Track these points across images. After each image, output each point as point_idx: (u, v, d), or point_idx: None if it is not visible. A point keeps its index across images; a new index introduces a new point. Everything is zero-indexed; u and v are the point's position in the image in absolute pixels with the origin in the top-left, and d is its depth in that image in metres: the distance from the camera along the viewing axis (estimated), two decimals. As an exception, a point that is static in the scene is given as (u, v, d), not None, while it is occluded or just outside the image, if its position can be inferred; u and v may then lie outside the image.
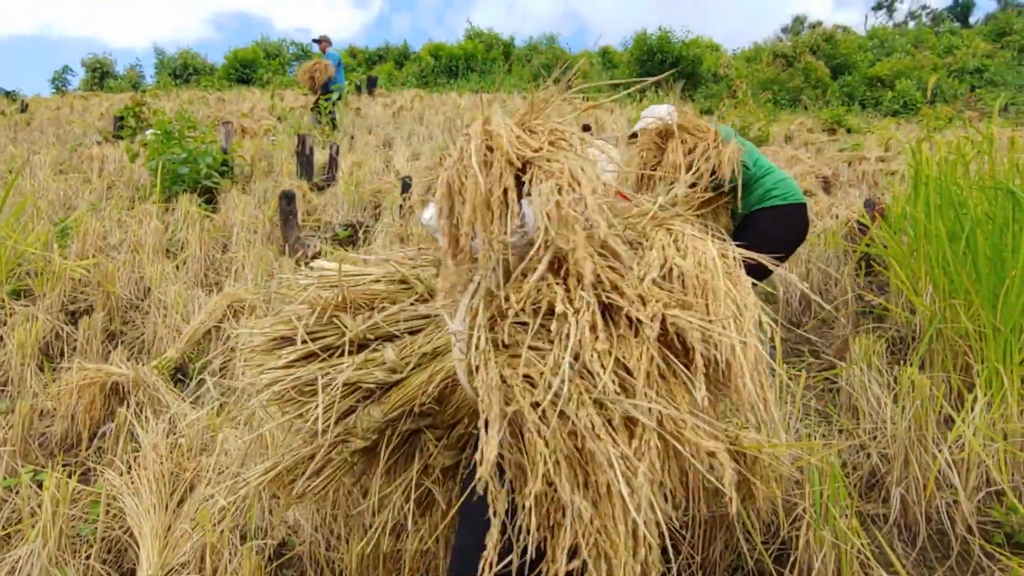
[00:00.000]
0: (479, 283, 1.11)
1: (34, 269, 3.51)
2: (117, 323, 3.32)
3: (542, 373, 0.94)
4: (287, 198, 4.44)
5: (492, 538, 0.95)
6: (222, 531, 1.75)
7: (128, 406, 2.43)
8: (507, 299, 1.04)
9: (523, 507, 0.92)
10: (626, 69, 19.72)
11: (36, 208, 4.59)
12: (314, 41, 10.16)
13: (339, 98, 9.12)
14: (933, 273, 2.60)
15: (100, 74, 21.90)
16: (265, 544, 1.80)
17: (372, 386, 1.22)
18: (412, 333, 1.26)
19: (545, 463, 0.91)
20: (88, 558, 1.81)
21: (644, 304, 1.00)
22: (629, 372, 0.95)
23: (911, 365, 2.13)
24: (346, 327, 1.23)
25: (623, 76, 19.52)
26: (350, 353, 1.24)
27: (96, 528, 1.87)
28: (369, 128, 9.86)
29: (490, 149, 1.04)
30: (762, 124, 9.68)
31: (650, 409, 0.92)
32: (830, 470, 1.63)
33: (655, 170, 2.81)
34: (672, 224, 1.20)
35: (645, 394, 0.93)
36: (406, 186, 5.21)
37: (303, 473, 1.33)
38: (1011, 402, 2.02)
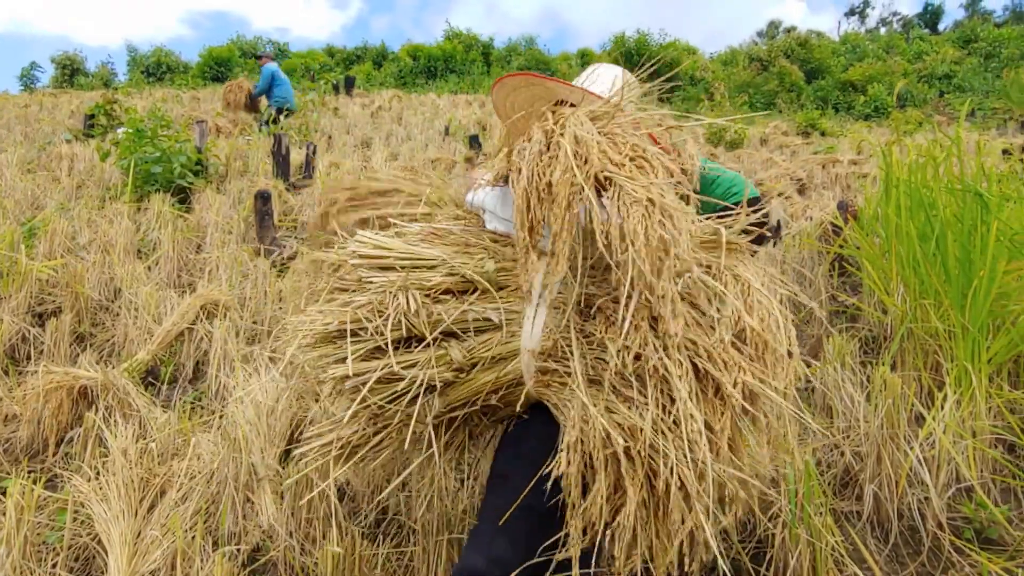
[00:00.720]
0: (546, 295, 1.21)
1: (1, 269, 3.42)
2: (86, 325, 3.24)
3: (642, 429, 1.02)
4: (263, 198, 4.38)
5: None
6: (193, 537, 1.72)
7: (97, 410, 2.37)
8: (591, 335, 1.14)
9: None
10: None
11: (2, 208, 4.47)
12: (255, 57, 9.95)
13: (267, 120, 8.66)
14: (904, 273, 2.65)
15: (70, 71, 21.42)
16: (238, 550, 1.77)
17: (439, 382, 1.24)
18: (478, 332, 1.25)
19: (633, 504, 1.02)
20: (55, 566, 1.77)
21: (726, 367, 1.06)
22: (711, 431, 1.04)
23: (883, 364, 2.17)
24: (417, 327, 1.22)
25: (602, 78, 19.61)
26: (415, 350, 1.24)
27: (63, 535, 1.82)
28: (347, 128, 9.78)
29: (575, 155, 1.08)
30: (738, 127, 9.80)
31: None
32: (805, 469, 1.65)
33: None
34: (738, 268, 1.16)
35: (722, 454, 1.03)
36: (384, 186, 5.16)
37: (360, 448, 1.34)
38: (979, 400, 2.07)
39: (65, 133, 8.54)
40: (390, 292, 1.23)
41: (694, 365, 1.05)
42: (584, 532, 1.07)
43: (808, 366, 2.82)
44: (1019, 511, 1.95)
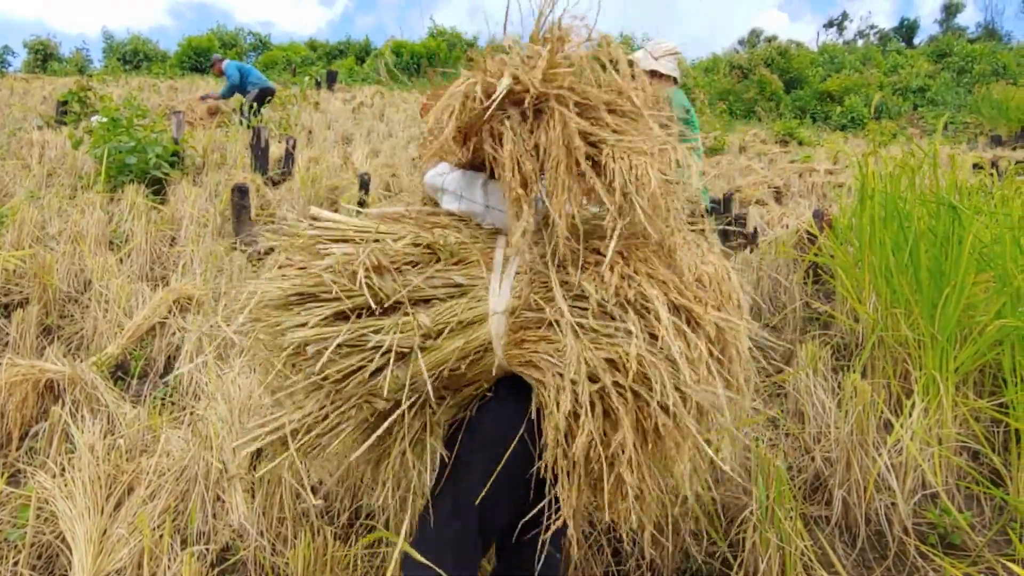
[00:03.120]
0: (514, 259, 1.23)
1: (-36, 259, 3.32)
2: (54, 317, 3.17)
3: (627, 359, 1.06)
4: (240, 192, 4.32)
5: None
6: (161, 536, 1.68)
7: (63, 405, 2.31)
8: (565, 283, 1.17)
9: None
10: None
11: (-32, 194, 4.35)
12: (210, 66, 9.40)
13: (249, 111, 8.32)
14: (876, 283, 2.70)
15: (43, 56, 20.88)
16: (207, 549, 1.74)
17: (404, 349, 1.20)
18: (445, 299, 1.23)
19: (628, 432, 1.08)
20: (16, 564, 1.72)
21: (698, 302, 1.15)
22: (690, 362, 1.10)
23: (854, 371, 2.21)
24: (381, 290, 1.18)
25: (585, 81, 19.67)
26: (381, 315, 1.19)
27: (25, 533, 1.78)
28: (328, 123, 9.69)
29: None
30: (718, 134, 9.91)
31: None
32: (776, 473, 1.68)
33: None
34: (685, 231, 1.27)
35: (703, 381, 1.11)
36: (364, 183, 5.13)
37: (316, 432, 1.27)
38: (946, 408, 2.11)
39: (37, 119, 8.33)
40: (352, 256, 1.19)
41: (667, 299, 1.13)
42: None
43: (780, 372, 2.86)
44: (981, 517, 2.00)
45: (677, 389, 1.08)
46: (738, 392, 1.23)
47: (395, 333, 1.17)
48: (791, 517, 1.62)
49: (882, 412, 2.14)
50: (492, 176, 1.30)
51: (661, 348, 1.08)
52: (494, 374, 1.25)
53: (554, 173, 1.10)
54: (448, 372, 1.23)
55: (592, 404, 1.09)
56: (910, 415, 2.01)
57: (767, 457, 1.70)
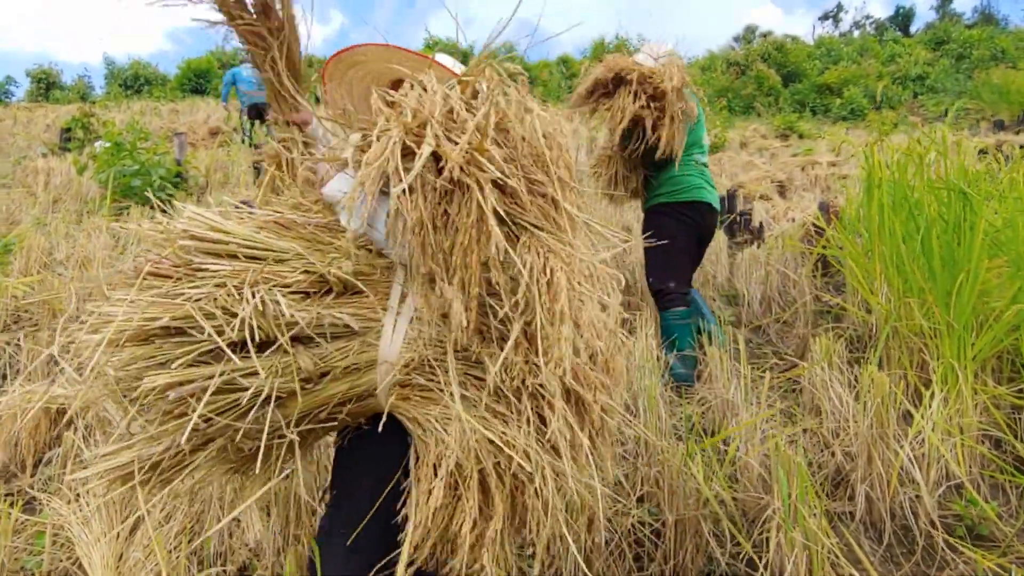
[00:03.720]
0: (411, 300, 1.13)
1: (-27, 288, 3.34)
2: (64, 342, 3.17)
3: (513, 442, 1.05)
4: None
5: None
6: (178, 558, 1.67)
7: (76, 430, 2.31)
8: (464, 348, 1.10)
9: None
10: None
11: (-25, 224, 4.38)
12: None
13: (247, 130, 8.11)
14: (888, 272, 2.67)
15: (46, 85, 21.09)
16: (224, 570, 1.73)
17: (282, 395, 1.08)
18: (333, 338, 1.11)
19: (501, 511, 1.07)
20: (33, 593, 1.71)
21: (589, 387, 1.13)
22: (572, 445, 1.09)
23: (870, 364, 2.18)
24: (267, 330, 1.03)
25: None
26: (257, 354, 1.03)
27: (42, 560, 1.77)
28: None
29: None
30: (718, 131, 9.89)
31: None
32: (797, 470, 1.65)
33: (598, 104, 3.01)
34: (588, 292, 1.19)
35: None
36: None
37: (167, 469, 1.12)
38: (966, 396, 2.08)
39: (41, 147, 8.41)
40: (244, 286, 1.02)
41: (562, 384, 1.07)
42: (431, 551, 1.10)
43: (795, 367, 2.83)
44: (1008, 507, 1.96)
45: (557, 476, 1.07)
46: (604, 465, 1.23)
47: (272, 378, 1.04)
48: (815, 515, 1.59)
49: (901, 403, 2.11)
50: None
51: (548, 438, 1.04)
52: (374, 412, 1.19)
53: (460, 259, 1.01)
54: (327, 414, 1.15)
55: (471, 479, 1.06)
56: (930, 405, 1.98)
57: (787, 454, 1.67)
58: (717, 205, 3.03)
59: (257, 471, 1.17)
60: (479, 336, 1.08)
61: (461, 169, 0.98)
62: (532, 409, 1.06)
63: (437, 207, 1.02)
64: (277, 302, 1.03)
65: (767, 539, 1.62)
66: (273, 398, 1.05)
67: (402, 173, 0.98)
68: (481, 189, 0.98)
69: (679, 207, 2.93)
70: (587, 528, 1.65)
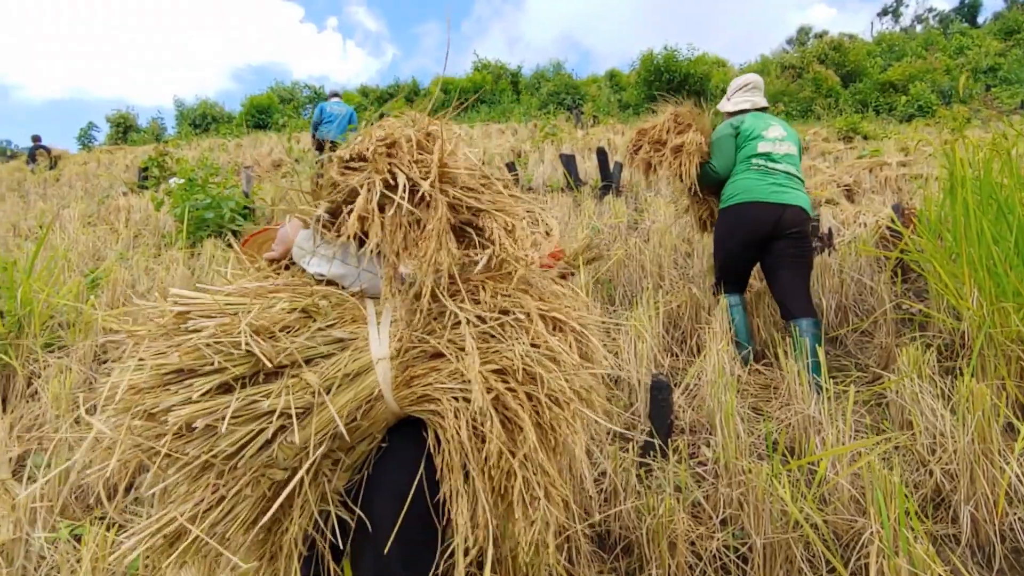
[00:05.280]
0: (387, 311, 1.27)
1: (66, 320, 3.55)
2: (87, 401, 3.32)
3: (511, 360, 1.16)
4: (310, 237, 4.46)
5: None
6: (263, 581, 1.70)
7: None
8: (442, 313, 1.25)
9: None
10: (634, 91, 19.84)
11: (67, 260, 4.67)
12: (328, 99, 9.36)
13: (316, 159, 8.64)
14: (978, 276, 2.51)
15: (123, 128, 22.58)
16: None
17: (298, 410, 1.17)
18: (328, 356, 1.23)
19: (530, 430, 1.13)
20: (129, 616, 1.77)
21: (557, 298, 1.34)
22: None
23: (964, 374, 2.04)
24: (265, 352, 1.15)
25: (631, 97, 19.64)
26: (265, 381, 1.17)
27: (136, 583, 1.83)
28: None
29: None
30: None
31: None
32: (896, 490, 1.55)
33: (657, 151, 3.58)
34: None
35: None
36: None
37: (211, 520, 1.18)
38: (1079, 408, 1.92)
39: (121, 186, 8.95)
40: (231, 325, 1.16)
41: (537, 308, 1.25)
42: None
43: (879, 379, 2.68)
44: None
45: (558, 365, 1.18)
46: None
47: (286, 395, 1.14)
48: (919, 539, 1.48)
49: (1003, 416, 1.97)
50: (361, 244, 1.33)
51: (540, 349, 1.17)
52: (387, 423, 1.25)
53: (435, 230, 1.21)
54: (335, 432, 1.21)
55: (492, 410, 1.14)
56: (1038, 418, 1.83)
57: (882, 473, 1.58)
58: (779, 198, 3.04)
59: (296, 508, 1.23)
60: (450, 298, 1.25)
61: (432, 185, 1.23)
62: (515, 325, 1.20)
63: (411, 215, 1.24)
64: (270, 330, 1.18)
65: (865, 565, 1.52)
66: (279, 426, 1.14)
67: (375, 212, 1.23)
68: (444, 192, 1.25)
69: (722, 214, 3.25)
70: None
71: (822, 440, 2.04)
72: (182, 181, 5.59)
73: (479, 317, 1.21)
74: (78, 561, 1.78)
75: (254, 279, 1.40)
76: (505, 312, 1.23)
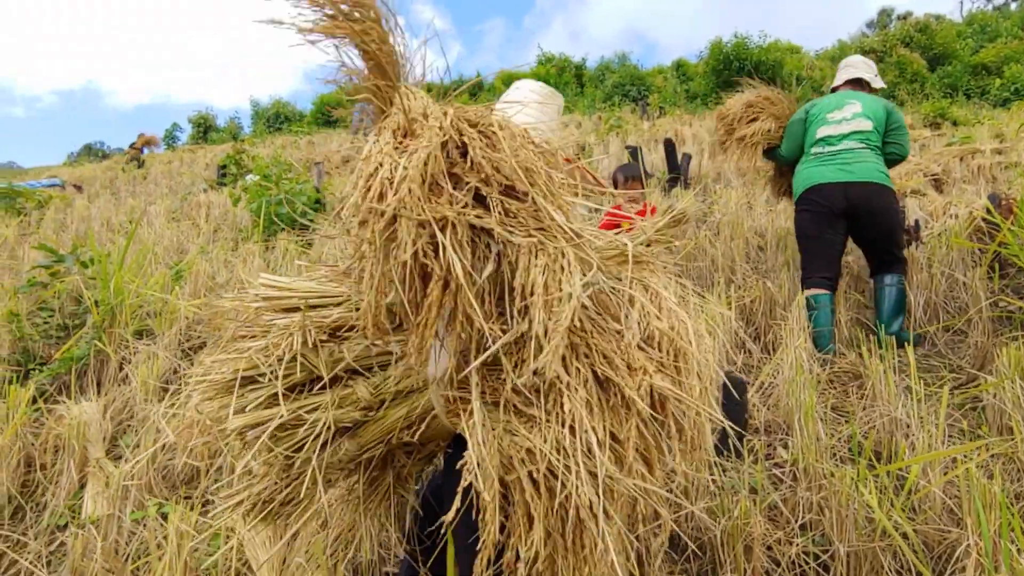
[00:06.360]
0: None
1: (153, 310, 3.76)
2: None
3: (541, 449, 0.94)
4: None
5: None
6: (335, 563, 1.74)
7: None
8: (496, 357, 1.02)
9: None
10: (702, 80, 19.28)
11: (154, 254, 4.94)
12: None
13: None
14: (1091, 271, 2.30)
15: (204, 129, 23.78)
16: (378, 579, 1.78)
17: (348, 423, 1.19)
18: (383, 367, 1.20)
19: (540, 531, 0.94)
20: (211, 590, 1.85)
21: (631, 371, 1.01)
22: (618, 441, 0.97)
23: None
24: (316, 367, 1.16)
25: (699, 87, 19.09)
26: (320, 391, 1.18)
27: (217, 561, 1.92)
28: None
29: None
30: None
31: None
32: (995, 501, 1.44)
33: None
34: (647, 277, 1.14)
35: (631, 467, 0.96)
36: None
37: (281, 502, 1.28)
38: None
39: (202, 184, 9.41)
40: (286, 333, 1.17)
41: (595, 373, 0.98)
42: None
43: (973, 381, 2.50)
44: None
45: (594, 476, 0.93)
46: (692, 468, 1.09)
47: (333, 409, 1.14)
48: (1023, 553, 1.37)
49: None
50: None
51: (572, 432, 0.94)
52: (450, 433, 1.21)
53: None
54: (397, 439, 1.20)
55: (505, 495, 0.99)
56: None
57: (983, 483, 1.46)
58: (839, 177, 3.12)
59: (361, 502, 1.30)
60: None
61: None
62: (562, 408, 0.96)
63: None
64: (316, 337, 1.15)
65: (963, 579, 1.42)
66: (337, 429, 1.16)
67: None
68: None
69: (797, 204, 3.32)
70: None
71: (911, 444, 1.92)
72: (257, 178, 5.81)
73: (516, 390, 1.01)
74: (164, 538, 1.88)
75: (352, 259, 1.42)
76: (544, 387, 0.99)
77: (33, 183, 9.78)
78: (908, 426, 2.01)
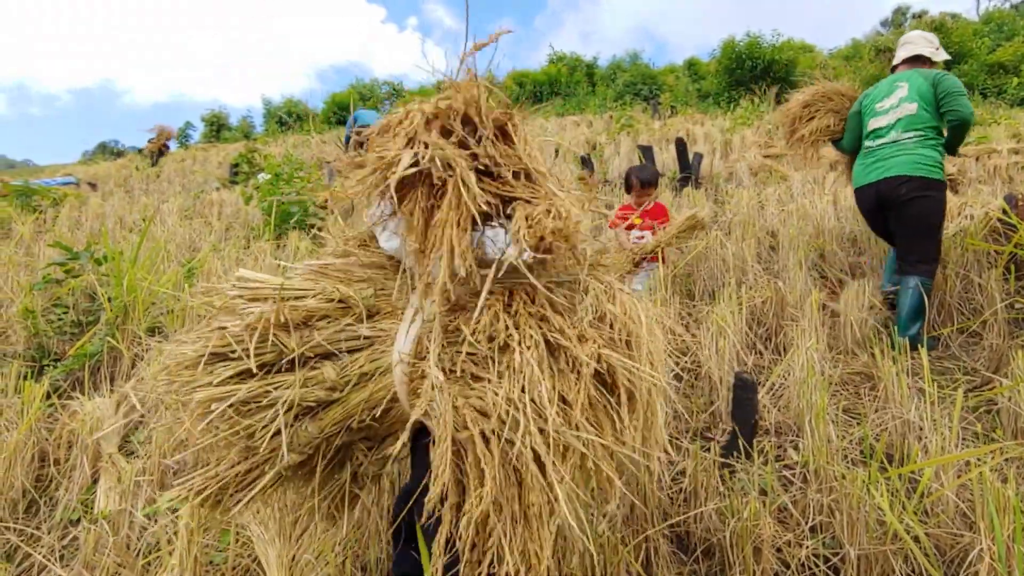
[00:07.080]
0: (419, 308, 1.21)
1: (166, 307, 3.79)
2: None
3: (495, 404, 1.02)
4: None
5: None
6: (343, 561, 1.75)
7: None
8: (457, 329, 1.14)
9: (454, 520, 1.03)
10: (714, 79, 19.18)
11: (166, 252, 4.98)
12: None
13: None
14: (1109, 273, 2.26)
15: (217, 127, 23.95)
16: (386, 577, 1.79)
17: (311, 403, 1.23)
18: (351, 352, 1.25)
19: (490, 485, 1.00)
20: (221, 586, 1.87)
21: (581, 341, 1.09)
22: (567, 403, 1.04)
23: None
24: (286, 346, 1.21)
25: (711, 86, 18.99)
26: (288, 371, 1.23)
27: (227, 557, 1.93)
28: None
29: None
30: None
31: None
32: (1009, 505, 1.42)
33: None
34: (601, 275, 1.25)
35: (579, 424, 1.02)
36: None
37: (234, 489, 1.32)
38: None
39: (214, 182, 9.47)
40: (260, 315, 1.22)
41: (547, 341, 1.08)
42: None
43: (988, 384, 2.47)
44: None
45: (542, 433, 1.00)
46: (646, 443, 1.11)
47: (298, 388, 1.19)
48: (1038, 559, 1.35)
49: None
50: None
51: (523, 390, 1.02)
52: (407, 424, 1.21)
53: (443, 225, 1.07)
54: (358, 424, 1.24)
55: (459, 453, 1.06)
56: None
57: (995, 486, 1.44)
58: (871, 178, 3.21)
59: (316, 486, 1.35)
60: (463, 312, 1.16)
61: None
62: (515, 370, 1.04)
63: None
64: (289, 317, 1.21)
65: (975, 585, 1.40)
66: (305, 408, 1.22)
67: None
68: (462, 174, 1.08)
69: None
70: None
71: (924, 447, 1.90)
72: (269, 176, 5.84)
73: (470, 346, 1.10)
74: (175, 533, 1.89)
75: (332, 255, 1.46)
76: (491, 339, 1.08)
77: (48, 181, 9.89)
78: (921, 429, 1.99)
